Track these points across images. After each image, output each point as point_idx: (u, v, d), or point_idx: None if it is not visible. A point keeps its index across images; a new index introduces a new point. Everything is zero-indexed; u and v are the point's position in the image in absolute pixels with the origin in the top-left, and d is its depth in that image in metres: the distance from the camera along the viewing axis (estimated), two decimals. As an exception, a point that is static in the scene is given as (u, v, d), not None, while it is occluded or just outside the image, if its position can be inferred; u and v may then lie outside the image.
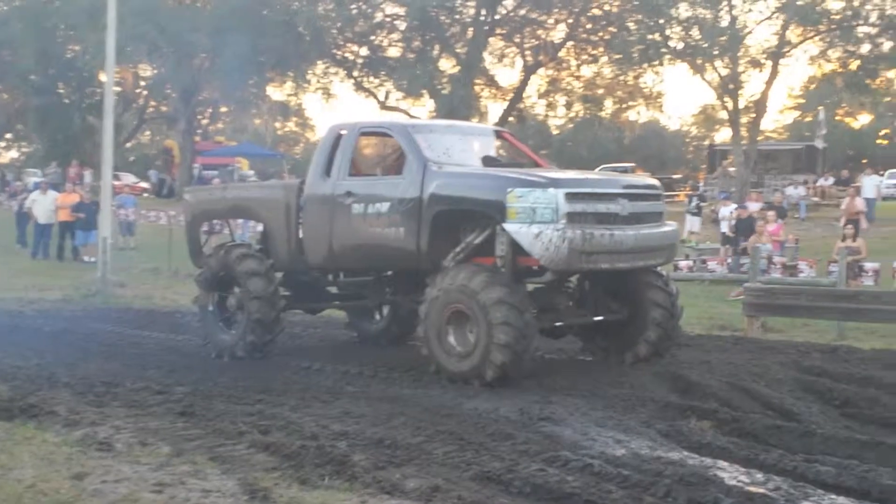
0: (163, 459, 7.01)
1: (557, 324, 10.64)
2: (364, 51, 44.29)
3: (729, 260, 19.25)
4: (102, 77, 35.53)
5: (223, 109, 58.71)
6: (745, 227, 21.52)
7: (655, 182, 11.50)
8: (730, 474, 6.77)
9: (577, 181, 10.25)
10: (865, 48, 36.03)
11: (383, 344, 12.71)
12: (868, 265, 16.86)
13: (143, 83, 54.53)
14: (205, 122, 58.38)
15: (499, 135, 12.45)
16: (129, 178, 52.43)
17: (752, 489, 6.34)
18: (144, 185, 54.23)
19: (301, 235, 11.57)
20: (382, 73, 43.73)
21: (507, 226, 9.60)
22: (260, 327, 11.57)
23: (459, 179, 10.34)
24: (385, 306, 12.84)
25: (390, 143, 11.76)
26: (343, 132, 11.44)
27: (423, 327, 10.10)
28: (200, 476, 6.60)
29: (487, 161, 11.14)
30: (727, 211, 25.48)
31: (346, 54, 44.58)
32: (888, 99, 53.78)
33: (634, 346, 10.70)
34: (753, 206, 26.25)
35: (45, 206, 26.85)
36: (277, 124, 71.84)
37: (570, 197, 9.60)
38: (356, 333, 13.38)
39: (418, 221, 10.25)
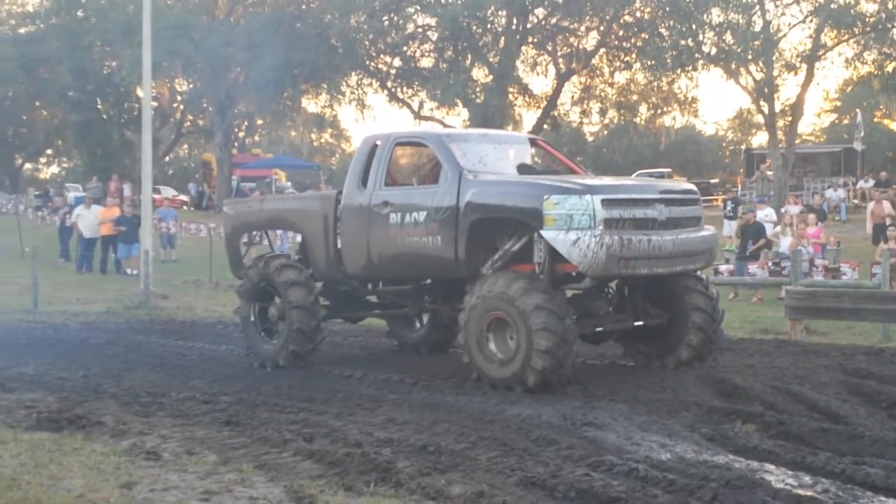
0: (209, 468, 7.07)
1: (598, 329, 10.63)
2: (397, 61, 44.43)
3: (770, 264, 19.06)
4: (139, 92, 36.02)
5: (259, 122, 59.07)
6: (751, 232, 21.32)
7: (692, 187, 11.46)
8: (777, 477, 6.72)
9: (613, 187, 10.18)
10: (901, 49, 35.66)
11: (424, 352, 12.74)
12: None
13: (179, 98, 55.08)
14: (241, 134, 58.78)
15: (533, 142, 12.43)
16: (168, 192, 52.92)
17: (800, 492, 6.29)
18: (184, 197, 54.68)
19: (339, 245, 11.63)
20: (416, 83, 43.82)
21: (545, 233, 9.62)
22: (301, 336, 11.64)
23: (495, 188, 10.34)
24: (425, 314, 12.86)
25: (425, 153, 11.81)
26: (378, 142, 11.50)
27: (463, 335, 10.11)
28: (247, 484, 6.65)
29: (522, 169, 11.15)
30: (763, 214, 25.31)
31: (380, 65, 44.74)
32: (926, 99, 53.12)
33: (676, 351, 10.66)
34: (793, 209, 26.04)
35: (90, 220, 27.14)
36: (313, 136, 72.20)
37: (607, 203, 9.60)
38: (397, 342, 13.42)
39: (455, 230, 10.28)
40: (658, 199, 10.13)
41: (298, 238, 13.45)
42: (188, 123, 59.59)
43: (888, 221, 23.24)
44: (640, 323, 10.72)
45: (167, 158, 65.54)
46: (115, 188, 40.70)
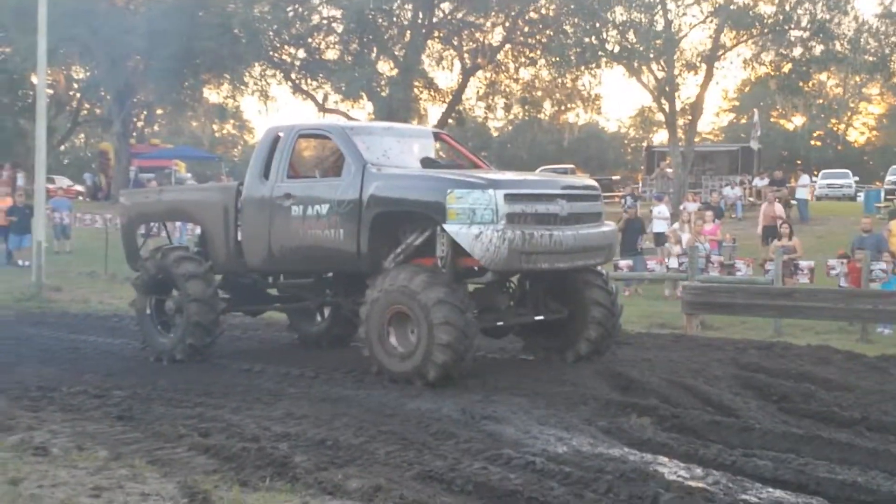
0: (100, 463, 6.91)
1: (499, 323, 10.69)
2: (301, 53, 43.99)
3: (666, 259, 19.38)
4: (34, 79, 34.96)
5: (159, 112, 57.94)
6: (633, 228, 21.72)
7: (594, 183, 11.58)
8: (670, 469, 6.84)
9: (516, 182, 10.28)
10: (797, 51, 36.61)
11: (324, 346, 12.65)
12: (803, 263, 17.10)
13: (76, 85, 53.75)
14: (140, 124, 57.62)
15: (437, 136, 12.46)
16: (63, 182, 51.63)
17: (692, 484, 6.41)
18: (79, 188, 53.42)
19: (239, 238, 11.48)
20: (320, 75, 43.45)
21: (448, 227, 9.62)
22: (199, 330, 11.47)
23: (399, 181, 10.33)
24: (326, 308, 12.78)
25: (328, 146, 11.76)
26: (281, 134, 11.40)
27: (364, 328, 10.07)
28: (139, 480, 6.52)
29: (426, 163, 11.13)
30: (657, 211, 25.79)
31: (284, 56, 44.26)
32: (820, 101, 54.72)
33: (575, 345, 10.80)
34: (691, 207, 26.54)
35: (-21, 210, 26.26)
36: (215, 127, 71.18)
37: (510, 198, 9.65)
38: (297, 335, 13.31)
39: (358, 223, 10.23)
40: (560, 195, 10.21)
41: (198, 230, 13.22)
42: (85, 112, 58.13)
43: (779, 223, 23.76)
44: (541, 317, 10.80)
45: (62, 147, 63.89)
46: (7, 177, 39.44)
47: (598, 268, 11.12)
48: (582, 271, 10.73)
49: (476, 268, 10.13)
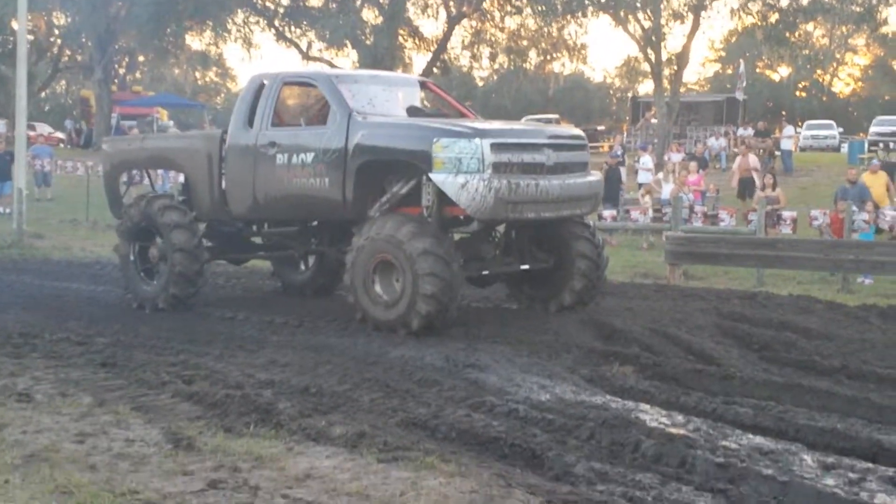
0: (84, 410, 6.94)
1: (484, 273, 10.68)
2: (285, 0, 43.56)
3: (650, 210, 19.39)
4: (14, 25, 34.54)
5: (141, 59, 57.45)
6: (614, 177, 21.72)
7: (580, 132, 11.51)
8: (651, 417, 6.89)
9: (502, 131, 10.13)
10: (784, 1, 36.51)
11: (309, 294, 12.65)
12: (786, 214, 17.15)
13: (57, 31, 53.09)
14: (122, 71, 57.12)
15: (423, 85, 12.31)
16: (44, 129, 51.19)
17: (673, 431, 6.46)
18: (60, 135, 52.99)
19: (224, 186, 11.41)
20: (304, 22, 43.00)
21: (434, 176, 9.55)
22: (183, 280, 11.43)
23: (384, 129, 10.23)
24: (311, 256, 12.76)
25: (314, 93, 11.60)
26: (265, 82, 11.29)
27: (349, 276, 10.05)
28: (123, 426, 6.55)
29: (412, 111, 11.05)
30: (643, 161, 25.75)
31: (267, 3, 43.77)
32: (806, 52, 54.61)
33: (559, 295, 10.79)
34: (676, 157, 26.53)
35: (-42, 156, 25.99)
36: (197, 74, 70.67)
37: (496, 147, 9.57)
38: (281, 284, 13.30)
39: (343, 172, 10.15)
40: (546, 144, 10.15)
41: (181, 178, 13.12)
42: (66, 58, 57.45)
43: (762, 175, 23.72)
44: (526, 267, 10.80)
45: (43, 94, 63.29)
46: (-12, 124, 39.18)
47: (586, 219, 11.09)
48: (568, 222, 10.70)
49: (462, 217, 10.09)
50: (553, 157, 10.09)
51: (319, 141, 10.39)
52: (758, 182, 23.26)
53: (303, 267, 13.15)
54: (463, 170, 9.40)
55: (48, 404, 7.09)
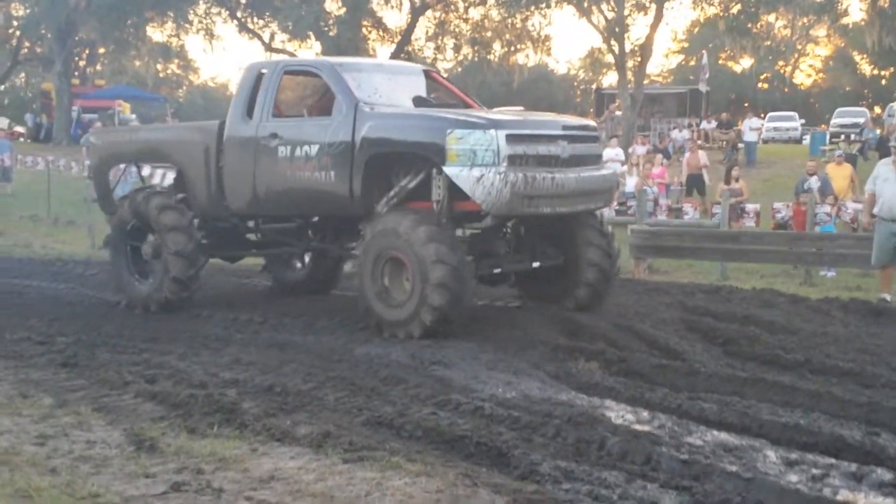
0: (45, 411, 6.85)
1: (496, 271, 10.29)
2: (248, -10, 43.30)
3: (614, 203, 19.45)
4: (-28, 16, 34.10)
5: (101, 51, 56.81)
6: None
7: (592, 123, 11.17)
8: (617, 413, 6.91)
9: (517, 122, 9.77)
10: (746, -7, 36.72)
11: (302, 293, 12.26)
12: (749, 207, 17.29)
13: (15, 23, 52.46)
14: (82, 63, 56.52)
15: (427, 74, 11.79)
16: (3, 123, 50.58)
17: (638, 427, 6.49)
18: (20, 129, 52.36)
19: (222, 180, 10.99)
20: (267, 14, 42.82)
21: (447, 169, 9.21)
22: (177, 285, 11.06)
23: (394, 121, 9.87)
24: (307, 254, 12.38)
25: (314, 83, 11.26)
26: (264, 71, 10.89)
27: (358, 277, 9.72)
28: (84, 427, 6.47)
29: (418, 101, 10.66)
30: (613, 153, 25.79)
31: (230, -6, 43.53)
32: (768, 43, 54.99)
33: (574, 291, 10.45)
34: (640, 150, 26.61)
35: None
36: (159, 66, 69.91)
37: (512, 139, 9.24)
38: (274, 282, 12.93)
39: (350, 165, 9.78)
40: (561, 136, 9.82)
41: (170, 175, 12.72)
42: (25, 50, 56.81)
43: (704, 172, 23.76)
44: (538, 264, 10.42)
45: (2, 87, 62.57)
46: (-54, 117, 38.66)
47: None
48: (577, 214, 10.30)
49: (474, 212, 9.70)
50: (568, 150, 9.77)
51: (324, 132, 10.02)
52: (707, 178, 23.34)
53: (298, 265, 12.81)
54: (478, 162, 9.08)
55: (8, 405, 6.99)
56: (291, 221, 11.53)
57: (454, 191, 9.37)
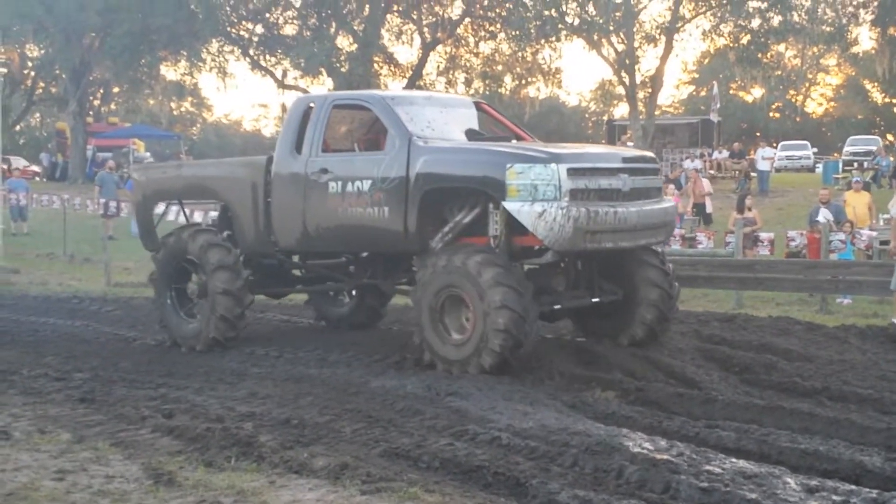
0: (63, 446, 6.87)
1: (556, 307, 9.96)
2: (259, 29, 43.60)
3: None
4: (-12, 58, 34.44)
5: (115, 90, 57.30)
6: None
7: (652, 155, 11.02)
8: (634, 442, 6.87)
9: (578, 155, 9.48)
10: (756, 23, 36.80)
11: (347, 328, 12.12)
12: (763, 235, 17.26)
13: (30, 64, 52.98)
14: (97, 103, 56.96)
15: (478, 106, 11.49)
16: (19, 162, 50.91)
17: (656, 456, 6.45)
18: (36, 168, 52.73)
19: (270, 216, 10.75)
20: (279, 51, 43.10)
21: (508, 204, 8.98)
22: (224, 324, 10.83)
23: (450, 155, 9.66)
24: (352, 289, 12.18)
25: (362, 116, 11.14)
26: (313, 104, 10.73)
27: (415, 314, 9.52)
28: (103, 462, 6.49)
29: (471, 134, 10.47)
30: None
31: (241, 32, 43.84)
32: (778, 72, 55.09)
33: (630, 328, 10.16)
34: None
35: (-67, 191, 25.88)
36: (172, 104, 70.45)
37: (573, 172, 9.02)
38: (318, 317, 12.75)
39: (405, 200, 9.56)
40: (622, 169, 9.61)
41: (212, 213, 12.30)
42: (40, 91, 57.31)
43: (707, 200, 23.67)
44: (597, 300, 10.13)
45: (18, 127, 63.04)
46: (-37, 158, 38.94)
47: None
48: (637, 249, 10.04)
49: (533, 247, 9.48)
50: (629, 183, 9.55)
51: (377, 167, 9.81)
52: (709, 207, 23.21)
53: (345, 299, 12.63)
54: (539, 197, 8.86)
55: (26, 441, 7.02)
56: (339, 257, 11.32)
57: (512, 226, 9.18)
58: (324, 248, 10.95)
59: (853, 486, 5.92)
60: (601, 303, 10.16)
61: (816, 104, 77.19)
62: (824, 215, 17.62)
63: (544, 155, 9.12)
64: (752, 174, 33.42)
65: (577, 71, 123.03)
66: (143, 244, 12.46)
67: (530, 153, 9.20)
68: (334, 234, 10.30)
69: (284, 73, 44.19)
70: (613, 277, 10.26)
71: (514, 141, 10.73)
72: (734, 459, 6.47)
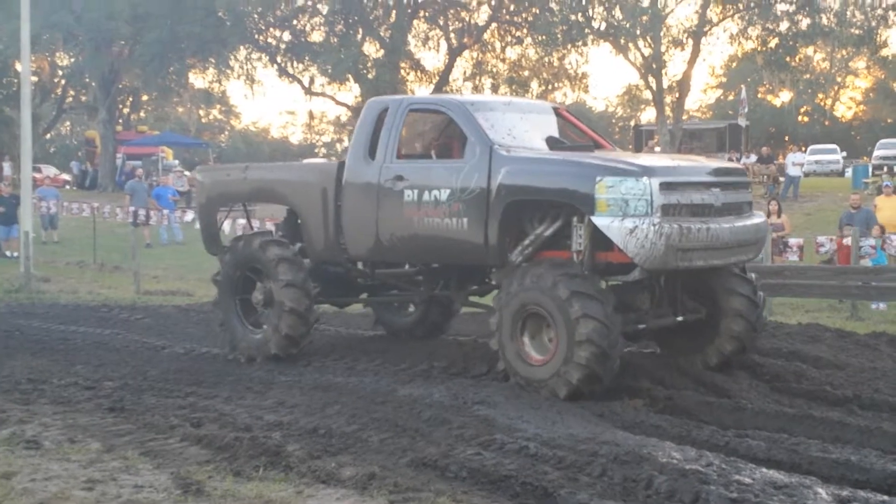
0: (93, 456, 6.92)
1: (640, 326, 9.47)
2: (287, 36, 43.90)
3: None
4: (18, 67, 34.78)
5: (144, 98, 57.81)
6: None
7: (742, 168, 10.48)
8: (663, 452, 6.81)
9: (670, 169, 9.05)
10: (784, 26, 36.64)
11: (410, 338, 11.87)
12: (792, 241, 17.10)
13: (60, 72, 53.52)
14: (126, 111, 57.45)
15: (556, 111, 11.01)
16: (50, 170, 51.36)
17: (686, 466, 6.41)
18: (66, 176, 53.19)
19: (340, 224, 10.42)
20: (306, 57, 43.34)
21: (597, 220, 8.57)
22: (294, 318, 10.47)
23: (535, 166, 9.24)
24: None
25: (437, 121, 10.84)
26: (388, 108, 10.30)
27: (497, 333, 9.10)
28: (132, 471, 6.52)
29: (552, 142, 10.10)
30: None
31: (269, 39, 44.15)
32: (807, 76, 54.80)
33: (717, 343, 9.68)
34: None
35: (-35, 200, 26.04)
36: (201, 112, 71.00)
37: (665, 187, 8.57)
38: (382, 328, 12.48)
39: (486, 212, 9.19)
40: (714, 183, 9.21)
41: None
42: (70, 99, 57.93)
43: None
44: (681, 318, 9.68)
45: (48, 136, 63.67)
46: (-6, 166, 39.37)
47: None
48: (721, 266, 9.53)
49: (618, 263, 9.08)
50: (721, 197, 9.11)
51: (456, 176, 9.44)
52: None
53: (410, 308, 12.30)
54: (630, 213, 8.43)
55: (56, 451, 7.07)
56: (413, 267, 11.09)
57: (597, 240, 8.85)
58: (396, 258, 10.71)
59: (886, 497, 5.86)
60: (686, 321, 9.71)
61: (845, 108, 76.79)
62: (856, 221, 17.45)
63: (636, 168, 8.68)
64: (781, 179, 33.18)
65: (604, 76, 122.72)
66: (206, 248, 12.23)
67: (621, 166, 8.77)
68: (408, 244, 9.96)
69: (311, 80, 44.47)
70: (696, 293, 9.84)
71: (595, 150, 10.35)
72: (764, 469, 6.41)
